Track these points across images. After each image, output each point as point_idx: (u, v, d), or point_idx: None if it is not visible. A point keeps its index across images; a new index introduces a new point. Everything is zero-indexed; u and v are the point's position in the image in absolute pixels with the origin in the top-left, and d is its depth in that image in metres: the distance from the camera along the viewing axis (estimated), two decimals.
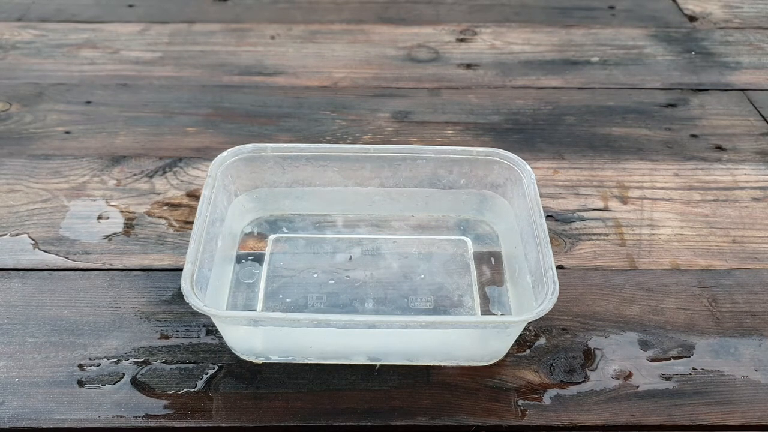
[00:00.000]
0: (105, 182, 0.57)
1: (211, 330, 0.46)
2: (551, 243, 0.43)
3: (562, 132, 0.64)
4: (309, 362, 0.44)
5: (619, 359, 0.45)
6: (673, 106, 0.68)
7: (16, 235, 0.52)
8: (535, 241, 0.43)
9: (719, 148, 0.63)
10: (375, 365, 0.44)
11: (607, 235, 0.54)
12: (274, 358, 0.44)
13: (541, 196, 0.46)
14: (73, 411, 0.41)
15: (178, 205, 0.55)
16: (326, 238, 0.52)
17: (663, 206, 0.56)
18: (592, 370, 0.44)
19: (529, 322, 0.45)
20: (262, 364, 0.44)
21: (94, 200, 0.55)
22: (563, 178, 0.59)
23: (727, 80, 0.72)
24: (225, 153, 0.49)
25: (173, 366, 0.44)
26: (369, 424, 0.41)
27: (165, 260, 0.50)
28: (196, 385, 0.43)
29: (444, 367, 0.44)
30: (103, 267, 0.50)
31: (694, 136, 0.64)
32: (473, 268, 0.50)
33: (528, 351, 0.45)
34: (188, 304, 0.39)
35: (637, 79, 0.72)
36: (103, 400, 0.42)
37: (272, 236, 0.52)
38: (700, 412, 0.42)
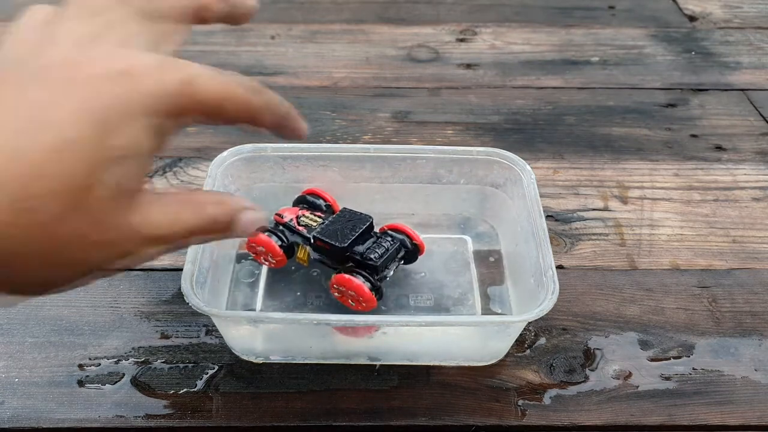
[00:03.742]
0: None
1: (211, 330, 0.46)
2: (551, 243, 0.43)
3: (562, 132, 0.64)
4: (309, 362, 0.44)
5: (619, 359, 0.45)
6: (673, 106, 0.68)
7: None
8: (535, 241, 0.43)
9: (719, 148, 0.63)
10: (375, 365, 0.44)
11: (607, 235, 0.54)
12: (274, 358, 0.44)
13: (541, 196, 0.46)
14: (73, 411, 0.41)
15: None
16: None
17: (663, 206, 0.56)
18: (592, 370, 0.44)
19: (529, 322, 0.45)
20: (262, 364, 0.44)
21: None
22: (563, 178, 0.59)
23: (727, 80, 0.72)
24: (225, 153, 0.49)
25: (173, 366, 0.44)
26: (369, 424, 0.41)
27: (165, 260, 0.50)
28: (196, 385, 0.43)
29: (444, 367, 0.44)
30: None
31: (694, 136, 0.64)
32: (473, 267, 0.50)
33: (528, 351, 0.45)
34: (188, 304, 0.39)
35: (637, 79, 0.72)
36: (103, 400, 0.42)
37: None
38: (700, 412, 0.42)
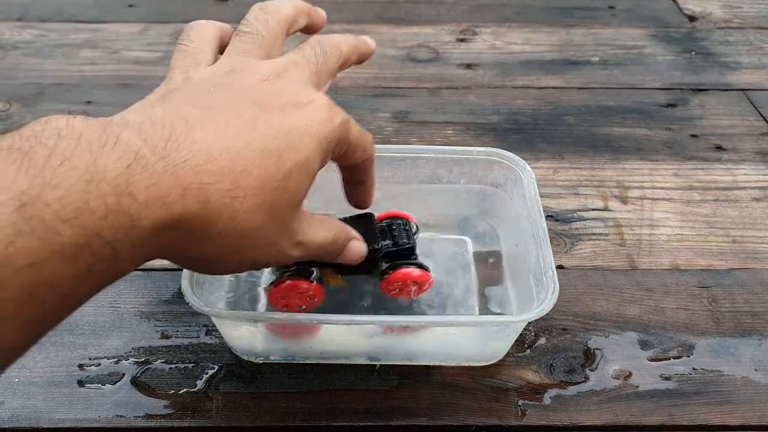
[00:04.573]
0: None
1: (211, 330, 0.46)
2: (551, 243, 0.43)
3: (562, 132, 0.64)
4: (309, 362, 0.44)
5: (619, 359, 0.45)
6: (673, 106, 0.68)
7: None
8: (535, 241, 0.43)
9: (719, 148, 0.63)
10: (375, 365, 0.44)
11: (607, 235, 0.54)
12: (274, 358, 0.44)
13: (541, 196, 0.46)
14: (73, 411, 0.41)
15: None
16: None
17: (663, 206, 0.56)
18: (592, 370, 0.44)
19: (529, 322, 0.45)
20: (262, 364, 0.44)
21: None
22: (563, 178, 0.59)
23: (727, 80, 0.72)
24: None
25: (173, 366, 0.44)
26: (369, 424, 0.41)
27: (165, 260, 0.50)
28: (196, 385, 0.43)
29: (444, 367, 0.44)
30: None
31: (694, 136, 0.64)
32: (473, 267, 0.50)
33: (528, 351, 0.45)
34: (188, 303, 0.39)
35: (637, 79, 0.72)
36: (103, 400, 0.42)
37: None
38: (700, 412, 0.42)
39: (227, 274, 0.38)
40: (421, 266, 0.44)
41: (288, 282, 0.42)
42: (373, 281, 0.45)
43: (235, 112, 0.30)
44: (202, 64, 0.35)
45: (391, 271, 0.43)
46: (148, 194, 0.26)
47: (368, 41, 0.42)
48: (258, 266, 0.33)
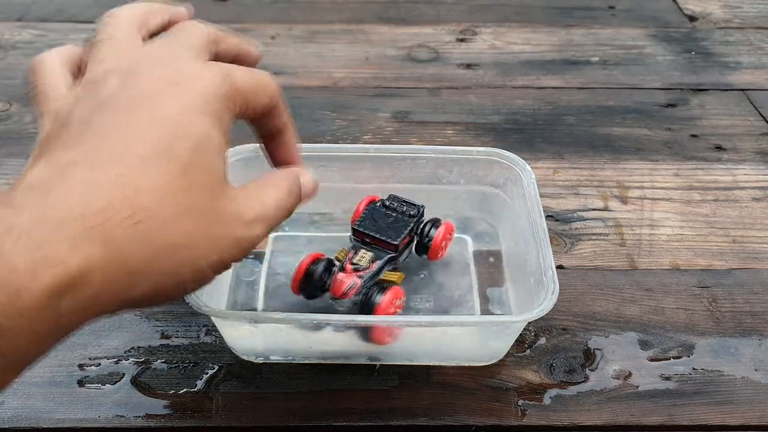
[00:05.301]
0: None
1: (211, 330, 0.46)
2: (551, 243, 0.43)
3: (562, 132, 0.64)
4: (309, 362, 0.44)
5: (619, 359, 0.45)
6: (673, 106, 0.68)
7: None
8: (535, 241, 0.43)
9: (719, 148, 0.63)
10: (375, 365, 0.44)
11: (607, 235, 0.54)
12: (274, 358, 0.44)
13: (541, 196, 0.46)
14: (73, 411, 0.41)
15: None
16: (327, 237, 0.52)
17: (663, 206, 0.56)
18: (592, 370, 0.44)
19: (529, 322, 0.45)
20: (262, 364, 0.44)
21: None
22: (563, 178, 0.59)
23: (727, 80, 0.72)
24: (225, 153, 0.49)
25: (173, 366, 0.44)
26: (369, 424, 0.41)
27: None
28: (196, 385, 0.43)
29: (444, 367, 0.44)
30: None
31: (694, 136, 0.64)
32: (473, 267, 0.50)
33: (528, 351, 0.45)
34: (188, 303, 0.39)
35: (637, 79, 0.72)
36: (103, 400, 0.42)
37: (273, 234, 0.51)
38: (700, 412, 0.42)
39: (197, 289, 0.31)
40: (439, 221, 0.49)
41: (382, 298, 0.43)
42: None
43: (104, 132, 0.27)
44: (60, 98, 0.31)
45: (429, 241, 0.48)
46: (32, 258, 0.23)
47: (249, 40, 0.37)
48: (226, 265, 0.30)
